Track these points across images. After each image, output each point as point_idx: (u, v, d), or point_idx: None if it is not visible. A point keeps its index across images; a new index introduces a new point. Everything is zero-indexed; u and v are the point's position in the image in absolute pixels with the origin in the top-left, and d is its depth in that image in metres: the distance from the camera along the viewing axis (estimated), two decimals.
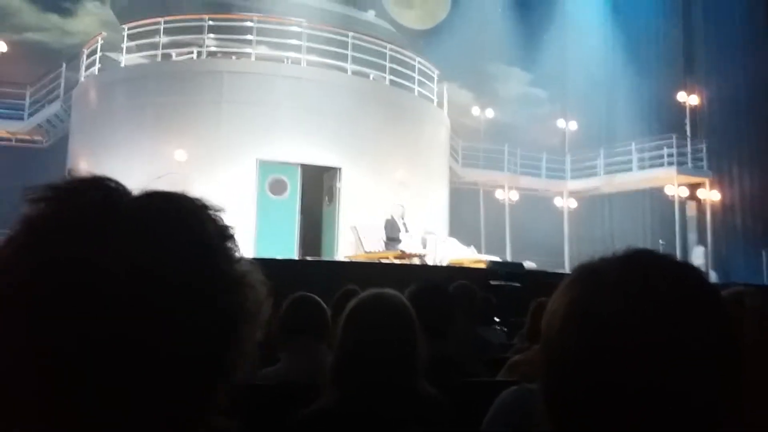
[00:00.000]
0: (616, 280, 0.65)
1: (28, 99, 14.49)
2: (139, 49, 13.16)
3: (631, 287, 0.64)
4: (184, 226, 0.57)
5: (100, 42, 13.13)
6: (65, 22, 19.02)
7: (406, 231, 10.94)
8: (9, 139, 15.03)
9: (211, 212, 0.61)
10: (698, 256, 15.56)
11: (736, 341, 0.64)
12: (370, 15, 20.84)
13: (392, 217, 10.96)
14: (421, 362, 1.73)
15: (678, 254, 16.00)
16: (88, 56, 13.36)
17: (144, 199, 0.59)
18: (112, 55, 13.42)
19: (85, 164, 12.43)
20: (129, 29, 12.92)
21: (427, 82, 14.19)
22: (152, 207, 0.58)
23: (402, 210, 11.05)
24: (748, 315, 1.28)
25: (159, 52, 12.62)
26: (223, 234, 0.60)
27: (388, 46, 13.52)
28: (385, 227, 10.94)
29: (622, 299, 0.63)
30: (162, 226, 0.55)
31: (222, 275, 0.56)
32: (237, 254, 0.60)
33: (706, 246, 16.53)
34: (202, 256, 0.56)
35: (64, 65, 14.37)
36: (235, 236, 0.61)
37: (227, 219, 0.63)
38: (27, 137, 15.06)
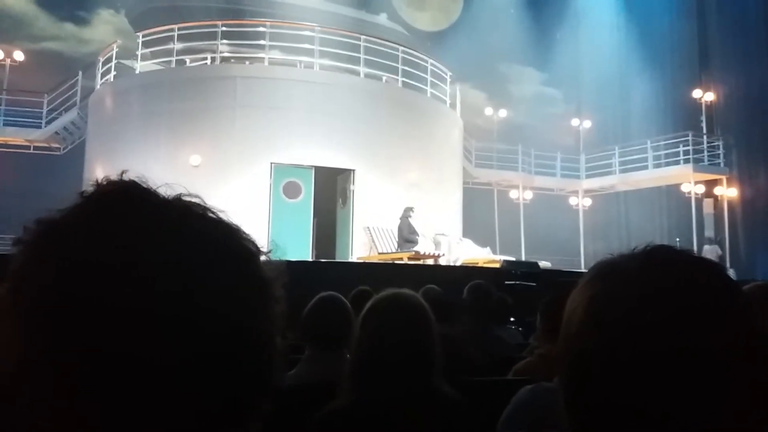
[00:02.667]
0: (636, 277, 0.64)
1: (45, 107, 14.70)
2: (154, 56, 13.28)
3: (651, 284, 0.63)
4: (224, 255, 0.56)
5: (115, 50, 13.27)
6: (81, 31, 19.25)
7: (420, 236, 10.94)
8: (27, 147, 15.24)
9: (244, 235, 0.59)
10: (710, 257, 15.37)
11: (761, 339, 0.62)
12: (382, 18, 20.88)
13: (407, 218, 10.96)
14: (439, 362, 1.73)
15: (695, 251, 15.80)
16: (104, 64, 13.51)
17: (178, 214, 0.58)
18: (127, 62, 13.56)
19: (101, 170, 12.57)
20: (143, 37, 13.05)
21: (439, 83, 14.18)
22: (184, 222, 0.57)
23: (412, 212, 11.05)
24: None
25: (173, 58, 12.73)
26: (256, 261, 0.59)
27: (401, 48, 13.53)
28: (401, 228, 10.94)
29: (642, 296, 0.62)
30: (191, 247, 0.54)
31: (255, 302, 0.56)
32: (271, 276, 0.59)
33: (719, 244, 16.32)
34: (238, 282, 0.55)
35: (80, 73, 14.55)
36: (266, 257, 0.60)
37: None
38: (45, 144, 15.25)
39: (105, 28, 19.18)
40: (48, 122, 14.71)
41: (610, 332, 0.62)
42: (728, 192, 16.94)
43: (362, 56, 12.75)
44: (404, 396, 1.64)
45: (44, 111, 14.71)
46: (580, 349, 0.65)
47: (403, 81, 13.27)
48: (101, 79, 13.56)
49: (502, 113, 19.60)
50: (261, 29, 12.97)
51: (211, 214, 0.60)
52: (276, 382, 0.57)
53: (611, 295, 0.64)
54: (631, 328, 0.61)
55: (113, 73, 13.21)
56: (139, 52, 12.95)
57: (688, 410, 0.59)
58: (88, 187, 0.57)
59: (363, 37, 13.13)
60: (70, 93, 14.59)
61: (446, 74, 14.40)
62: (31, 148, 15.30)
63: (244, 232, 0.60)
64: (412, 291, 1.85)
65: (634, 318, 0.61)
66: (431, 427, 1.66)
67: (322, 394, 1.82)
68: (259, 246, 0.60)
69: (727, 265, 16.30)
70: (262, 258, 0.60)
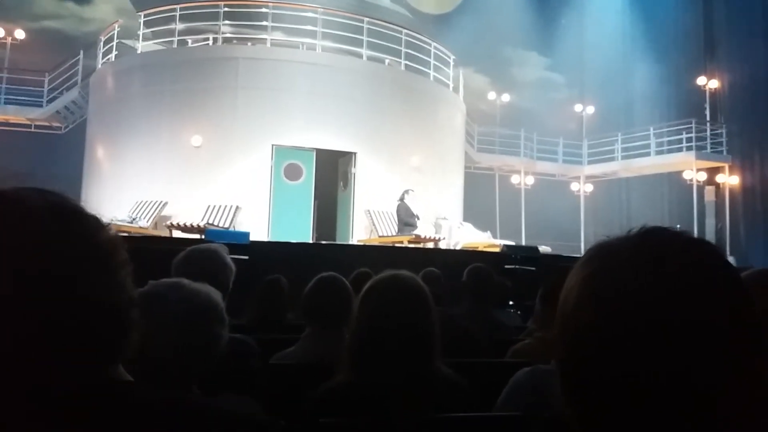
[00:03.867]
0: (630, 257, 0.64)
1: (46, 86, 14.66)
2: (155, 36, 13.20)
3: (645, 264, 0.63)
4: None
5: (116, 29, 13.20)
6: (82, 10, 19.11)
7: (417, 216, 10.95)
8: (28, 126, 15.21)
9: (78, 212, 0.72)
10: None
11: (754, 317, 0.62)
12: (386, 0, 20.71)
13: (404, 201, 10.97)
14: (438, 342, 1.74)
15: None
16: (105, 43, 13.44)
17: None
18: (129, 42, 13.48)
19: (102, 150, 12.56)
20: (145, 16, 12.97)
21: (442, 66, 14.10)
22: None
23: (413, 195, 11.05)
24: None
25: (175, 38, 12.66)
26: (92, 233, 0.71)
27: (404, 31, 13.43)
28: (399, 211, 10.95)
29: (636, 276, 0.62)
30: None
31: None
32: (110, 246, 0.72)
33: (720, 232, 16.33)
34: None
35: (81, 53, 14.48)
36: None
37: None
38: (46, 123, 15.22)
39: (106, 8, 19.04)
40: (49, 101, 14.68)
41: (603, 312, 0.63)
42: (730, 180, 16.92)
43: (365, 39, 12.67)
44: (402, 375, 1.65)
45: (45, 90, 14.66)
46: (576, 326, 0.65)
47: (406, 64, 13.20)
48: (102, 58, 13.50)
49: (505, 98, 19.51)
50: (263, 10, 12.86)
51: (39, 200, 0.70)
52: (131, 322, 0.71)
53: (607, 272, 0.65)
54: (624, 307, 0.61)
55: (115, 52, 13.15)
56: (140, 32, 12.87)
57: (683, 390, 0.59)
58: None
59: (366, 19, 13.03)
60: (72, 72, 14.53)
61: (449, 58, 14.31)
62: (32, 126, 15.27)
63: (80, 209, 0.72)
64: (411, 272, 1.86)
65: (627, 297, 0.62)
66: (429, 407, 1.67)
67: (321, 373, 1.83)
68: (97, 219, 0.73)
69: (727, 252, 16.31)
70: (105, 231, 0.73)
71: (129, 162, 11.70)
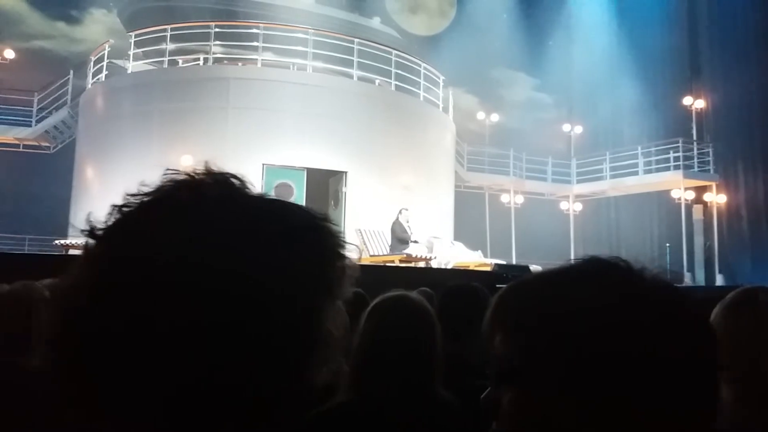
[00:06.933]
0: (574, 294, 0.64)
1: (35, 106, 14.62)
2: (146, 56, 13.24)
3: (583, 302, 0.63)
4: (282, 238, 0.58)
5: (107, 49, 13.22)
6: (72, 30, 19.17)
7: (412, 235, 10.95)
8: (17, 145, 15.13)
9: (324, 232, 0.62)
10: None
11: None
12: (376, 21, 20.91)
13: (398, 219, 10.98)
14: (440, 365, 1.73)
15: (684, 257, 15.96)
16: (95, 63, 13.45)
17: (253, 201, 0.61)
18: (119, 62, 13.50)
19: (91, 170, 12.50)
20: (136, 36, 13.00)
21: (432, 87, 14.21)
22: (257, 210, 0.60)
23: (407, 214, 11.08)
24: (763, 310, 1.28)
25: (165, 58, 12.69)
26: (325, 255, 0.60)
27: (394, 51, 13.56)
28: (394, 229, 10.95)
29: (587, 315, 0.62)
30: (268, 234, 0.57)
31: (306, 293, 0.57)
32: (338, 271, 0.60)
33: (708, 250, 16.45)
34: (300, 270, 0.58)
35: (71, 72, 14.49)
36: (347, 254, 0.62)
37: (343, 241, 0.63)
38: (34, 143, 15.15)
39: (97, 28, 19.11)
40: (38, 121, 14.63)
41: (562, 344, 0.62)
42: (717, 198, 17.08)
43: (355, 59, 12.76)
44: (403, 397, 1.64)
45: (34, 109, 14.63)
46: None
47: (396, 84, 13.30)
48: (93, 78, 13.50)
49: (494, 118, 19.67)
50: (254, 31, 12.95)
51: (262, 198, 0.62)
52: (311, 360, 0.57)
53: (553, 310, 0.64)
54: (580, 343, 0.61)
55: (105, 72, 13.16)
56: (131, 52, 12.90)
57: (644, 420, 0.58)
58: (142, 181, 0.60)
59: (356, 40, 13.14)
60: (61, 92, 14.52)
61: (439, 78, 14.43)
62: (21, 146, 15.19)
63: (305, 209, 0.62)
64: (418, 294, 1.85)
65: (580, 333, 0.61)
66: (428, 430, 1.66)
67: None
68: (320, 220, 0.62)
69: (716, 270, 16.44)
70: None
71: (118, 182, 11.64)
